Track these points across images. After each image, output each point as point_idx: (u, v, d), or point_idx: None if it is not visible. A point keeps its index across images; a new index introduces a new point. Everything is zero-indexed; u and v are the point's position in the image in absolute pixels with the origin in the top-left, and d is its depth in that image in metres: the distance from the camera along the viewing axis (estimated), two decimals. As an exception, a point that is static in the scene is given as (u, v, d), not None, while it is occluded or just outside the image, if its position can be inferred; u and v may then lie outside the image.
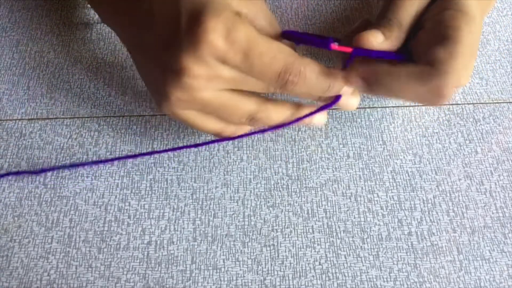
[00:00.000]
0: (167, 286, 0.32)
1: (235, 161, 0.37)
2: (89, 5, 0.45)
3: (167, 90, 0.27)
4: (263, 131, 0.34)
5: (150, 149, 0.38)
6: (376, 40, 0.29)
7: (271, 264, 0.33)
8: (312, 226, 0.34)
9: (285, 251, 0.33)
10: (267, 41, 0.27)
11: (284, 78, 0.28)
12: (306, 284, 0.32)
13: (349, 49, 0.29)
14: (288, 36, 0.30)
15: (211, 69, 0.27)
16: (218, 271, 0.33)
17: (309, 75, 0.28)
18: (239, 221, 0.35)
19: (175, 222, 0.35)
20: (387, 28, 0.30)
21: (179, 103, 0.28)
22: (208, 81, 0.27)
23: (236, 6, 0.27)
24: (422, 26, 0.31)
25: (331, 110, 0.39)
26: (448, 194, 0.36)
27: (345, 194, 0.36)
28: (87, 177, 0.36)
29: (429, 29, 0.30)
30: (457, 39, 0.28)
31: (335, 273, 0.33)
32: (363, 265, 0.33)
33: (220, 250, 0.34)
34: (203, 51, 0.25)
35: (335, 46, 0.28)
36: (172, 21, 0.27)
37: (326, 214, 0.35)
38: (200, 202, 0.35)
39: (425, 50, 0.29)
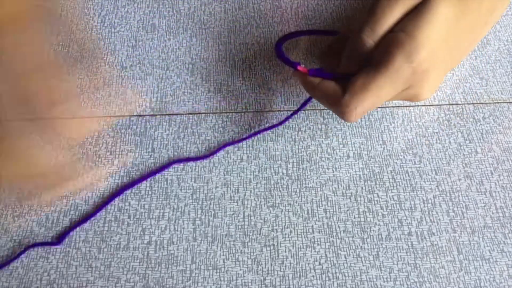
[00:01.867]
0: (167, 286, 0.32)
1: (235, 161, 0.37)
2: (89, 5, 0.45)
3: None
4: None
5: (150, 149, 0.38)
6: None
7: (271, 264, 0.33)
8: (312, 226, 0.34)
9: (285, 251, 0.33)
10: None
11: None
12: (306, 284, 0.32)
13: (305, 70, 0.33)
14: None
15: None
16: (218, 271, 0.33)
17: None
18: (239, 221, 0.35)
19: (175, 222, 0.35)
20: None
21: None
22: None
23: None
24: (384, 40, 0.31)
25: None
26: (448, 194, 0.36)
27: (345, 194, 0.36)
28: (87, 177, 0.36)
29: (380, 50, 0.30)
30: (380, 70, 0.29)
31: (335, 273, 0.33)
32: (363, 265, 0.33)
33: (220, 250, 0.34)
34: None
35: (300, 68, 0.33)
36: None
37: (326, 214, 0.35)
38: (200, 202, 0.35)
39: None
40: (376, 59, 0.30)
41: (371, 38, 0.30)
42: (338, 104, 0.31)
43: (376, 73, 0.30)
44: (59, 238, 0.33)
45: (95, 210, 0.35)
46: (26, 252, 0.33)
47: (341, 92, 0.31)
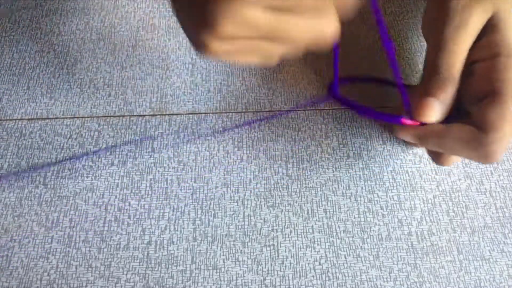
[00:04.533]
0: (167, 286, 0.32)
1: (235, 161, 0.37)
2: (89, 5, 0.45)
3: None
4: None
5: (150, 149, 0.38)
6: (435, 115, 0.29)
7: (271, 264, 0.33)
8: (312, 226, 0.34)
9: (285, 251, 0.33)
10: None
11: None
12: (306, 284, 0.32)
13: (416, 123, 0.30)
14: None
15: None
16: (218, 271, 0.33)
17: None
18: (239, 221, 0.35)
19: (175, 222, 0.35)
20: (442, 90, 0.29)
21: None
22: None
23: None
24: (471, 72, 0.29)
25: (331, 110, 0.39)
26: (448, 194, 0.36)
27: (345, 194, 0.36)
28: (87, 177, 0.36)
29: (480, 78, 0.29)
30: (503, 97, 0.27)
31: (335, 273, 0.33)
32: (363, 265, 0.33)
33: (220, 250, 0.34)
34: None
35: (406, 121, 0.30)
36: None
37: (326, 214, 0.35)
38: (200, 202, 0.35)
39: (476, 103, 0.29)
40: (491, 89, 0.28)
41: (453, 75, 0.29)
42: (480, 147, 0.28)
43: (505, 102, 0.28)
44: None
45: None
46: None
47: (476, 130, 0.28)
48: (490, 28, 0.29)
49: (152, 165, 0.37)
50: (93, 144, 0.38)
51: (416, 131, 0.30)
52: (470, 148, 0.28)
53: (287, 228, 0.34)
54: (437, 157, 0.33)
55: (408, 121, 0.30)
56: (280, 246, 0.34)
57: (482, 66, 0.29)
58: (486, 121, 0.28)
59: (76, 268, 0.33)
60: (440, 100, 0.29)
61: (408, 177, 0.37)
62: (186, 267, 0.33)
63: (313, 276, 0.33)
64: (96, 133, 0.38)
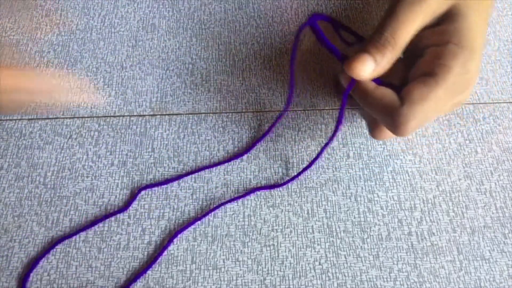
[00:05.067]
0: (167, 286, 0.32)
1: (235, 161, 0.37)
2: (89, 5, 0.45)
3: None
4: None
5: (150, 149, 0.38)
6: (366, 71, 0.30)
7: (271, 264, 0.33)
8: (312, 226, 0.34)
9: (285, 251, 0.33)
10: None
11: None
12: (306, 284, 0.32)
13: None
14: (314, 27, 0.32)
15: None
16: (218, 271, 0.33)
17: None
18: (239, 221, 0.35)
19: (175, 222, 0.35)
20: (379, 50, 0.30)
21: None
22: None
23: None
24: (422, 54, 0.30)
25: (331, 110, 0.39)
26: (448, 194, 0.36)
27: (345, 194, 0.36)
28: (87, 177, 0.36)
29: (426, 60, 0.30)
30: (439, 82, 0.29)
31: (335, 273, 0.33)
32: (363, 265, 0.33)
33: (220, 250, 0.34)
34: None
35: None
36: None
37: (326, 214, 0.35)
38: (200, 202, 0.35)
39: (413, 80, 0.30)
40: (431, 71, 0.29)
41: (392, 46, 0.30)
42: (394, 115, 0.29)
43: (435, 84, 0.29)
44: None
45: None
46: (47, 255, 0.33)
47: (398, 102, 0.29)
48: (449, 16, 0.30)
49: (152, 165, 0.37)
50: (93, 144, 0.38)
51: (357, 86, 0.31)
52: (385, 113, 0.30)
53: (287, 228, 0.34)
54: (372, 127, 0.34)
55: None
56: (280, 246, 0.34)
57: (432, 50, 0.30)
58: (408, 94, 0.29)
59: (76, 268, 0.33)
60: (375, 60, 0.30)
61: (408, 177, 0.37)
62: (186, 267, 0.33)
63: (313, 276, 0.33)
64: (96, 133, 0.38)
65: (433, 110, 0.29)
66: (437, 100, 0.29)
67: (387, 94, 0.30)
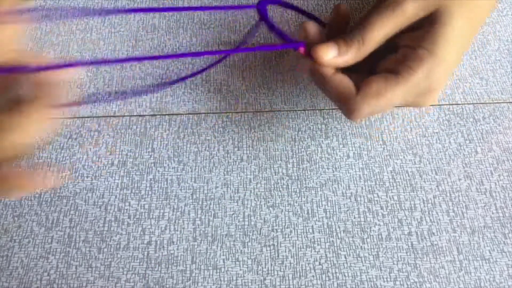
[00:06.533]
0: (167, 286, 0.32)
1: (235, 161, 0.37)
2: (89, 5, 0.45)
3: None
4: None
5: (150, 149, 0.38)
6: (327, 55, 0.31)
7: (271, 264, 0.33)
8: (312, 226, 0.34)
9: (285, 251, 0.33)
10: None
11: None
12: (306, 284, 0.32)
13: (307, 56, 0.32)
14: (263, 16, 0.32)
15: None
16: (218, 271, 0.33)
17: None
18: (239, 221, 0.35)
19: (175, 222, 0.35)
20: (347, 44, 0.31)
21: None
22: None
23: None
24: (395, 50, 0.31)
25: (331, 110, 0.39)
26: (448, 194, 0.36)
27: (345, 194, 0.36)
28: (87, 177, 0.36)
29: (396, 59, 0.31)
30: (399, 81, 0.30)
31: (335, 273, 0.33)
32: (363, 265, 0.33)
33: (220, 250, 0.34)
34: None
35: (302, 50, 0.32)
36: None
37: (326, 214, 0.35)
38: (200, 202, 0.35)
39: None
40: (395, 69, 0.30)
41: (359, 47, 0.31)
42: (348, 103, 0.30)
43: (394, 83, 0.30)
44: None
45: None
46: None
47: (354, 91, 0.30)
48: (428, 21, 0.30)
49: (152, 165, 0.37)
50: (93, 144, 0.38)
51: (312, 65, 0.32)
52: (340, 99, 0.31)
53: (287, 228, 0.34)
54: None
55: (303, 51, 0.32)
56: (280, 246, 0.34)
57: (403, 50, 0.31)
58: (366, 86, 0.30)
59: (76, 268, 0.33)
60: (339, 50, 0.31)
61: (408, 177, 0.37)
62: (186, 267, 0.33)
63: (313, 276, 0.33)
64: (96, 133, 0.38)
65: (386, 104, 0.30)
66: (392, 97, 0.30)
67: (343, 81, 0.31)
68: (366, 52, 0.31)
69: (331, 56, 0.31)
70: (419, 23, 0.31)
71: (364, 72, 0.32)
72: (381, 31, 0.30)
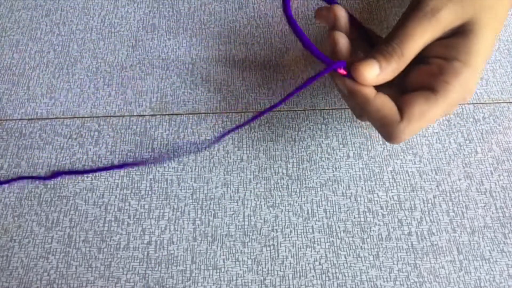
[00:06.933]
0: (167, 286, 0.32)
1: (235, 161, 0.37)
2: (89, 5, 0.45)
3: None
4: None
5: (150, 149, 0.38)
6: (370, 74, 0.29)
7: (271, 264, 0.33)
8: (312, 226, 0.34)
9: (285, 251, 0.34)
10: None
11: None
12: (306, 284, 0.32)
13: (344, 73, 0.30)
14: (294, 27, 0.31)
15: None
16: (218, 271, 0.33)
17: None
18: (239, 221, 0.35)
19: (175, 222, 0.35)
20: (386, 59, 0.29)
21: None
22: None
23: None
24: (426, 61, 0.30)
25: (331, 110, 0.39)
26: (448, 194, 0.36)
27: (345, 194, 0.36)
28: (87, 177, 0.36)
29: (429, 71, 0.30)
30: (439, 100, 0.29)
31: (335, 273, 0.33)
32: (363, 265, 0.33)
33: (220, 250, 0.34)
34: None
35: (340, 70, 0.30)
36: None
37: (326, 214, 0.35)
38: (200, 202, 0.35)
39: (413, 90, 0.30)
40: (432, 86, 0.29)
41: (398, 57, 0.30)
42: (391, 128, 0.29)
43: (434, 103, 0.29)
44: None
45: None
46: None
47: (398, 115, 0.29)
48: (461, 31, 0.30)
49: (152, 165, 0.37)
50: (93, 144, 0.38)
51: (350, 84, 0.30)
52: (383, 124, 0.30)
53: (287, 228, 0.34)
54: (357, 113, 0.34)
55: (342, 71, 0.30)
56: (280, 246, 0.34)
57: (437, 62, 0.30)
58: (409, 109, 0.29)
59: (76, 268, 0.33)
60: (380, 66, 0.30)
61: (408, 177, 0.37)
62: (186, 267, 0.33)
63: (313, 276, 0.33)
64: (96, 133, 0.38)
65: (427, 125, 0.30)
66: (434, 117, 0.29)
67: (386, 104, 0.30)
68: (404, 66, 0.30)
69: (374, 74, 0.29)
70: (449, 33, 0.30)
71: (395, 84, 0.31)
72: (420, 42, 0.29)
